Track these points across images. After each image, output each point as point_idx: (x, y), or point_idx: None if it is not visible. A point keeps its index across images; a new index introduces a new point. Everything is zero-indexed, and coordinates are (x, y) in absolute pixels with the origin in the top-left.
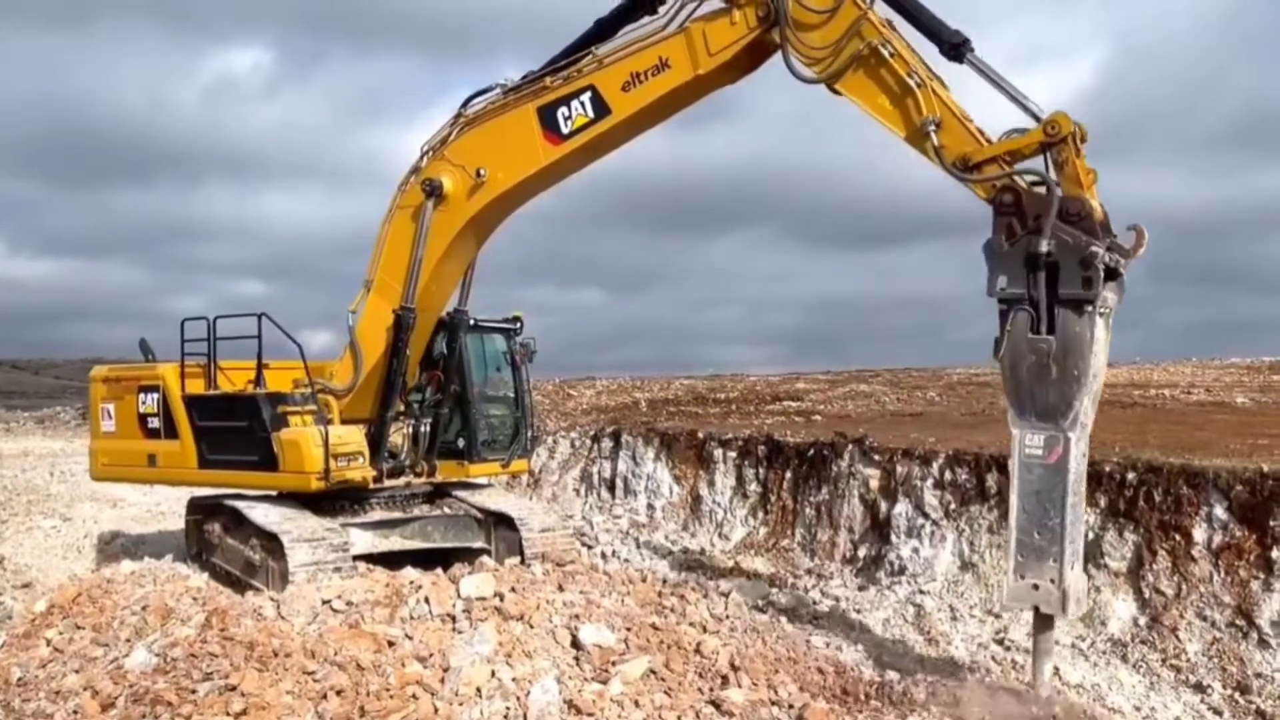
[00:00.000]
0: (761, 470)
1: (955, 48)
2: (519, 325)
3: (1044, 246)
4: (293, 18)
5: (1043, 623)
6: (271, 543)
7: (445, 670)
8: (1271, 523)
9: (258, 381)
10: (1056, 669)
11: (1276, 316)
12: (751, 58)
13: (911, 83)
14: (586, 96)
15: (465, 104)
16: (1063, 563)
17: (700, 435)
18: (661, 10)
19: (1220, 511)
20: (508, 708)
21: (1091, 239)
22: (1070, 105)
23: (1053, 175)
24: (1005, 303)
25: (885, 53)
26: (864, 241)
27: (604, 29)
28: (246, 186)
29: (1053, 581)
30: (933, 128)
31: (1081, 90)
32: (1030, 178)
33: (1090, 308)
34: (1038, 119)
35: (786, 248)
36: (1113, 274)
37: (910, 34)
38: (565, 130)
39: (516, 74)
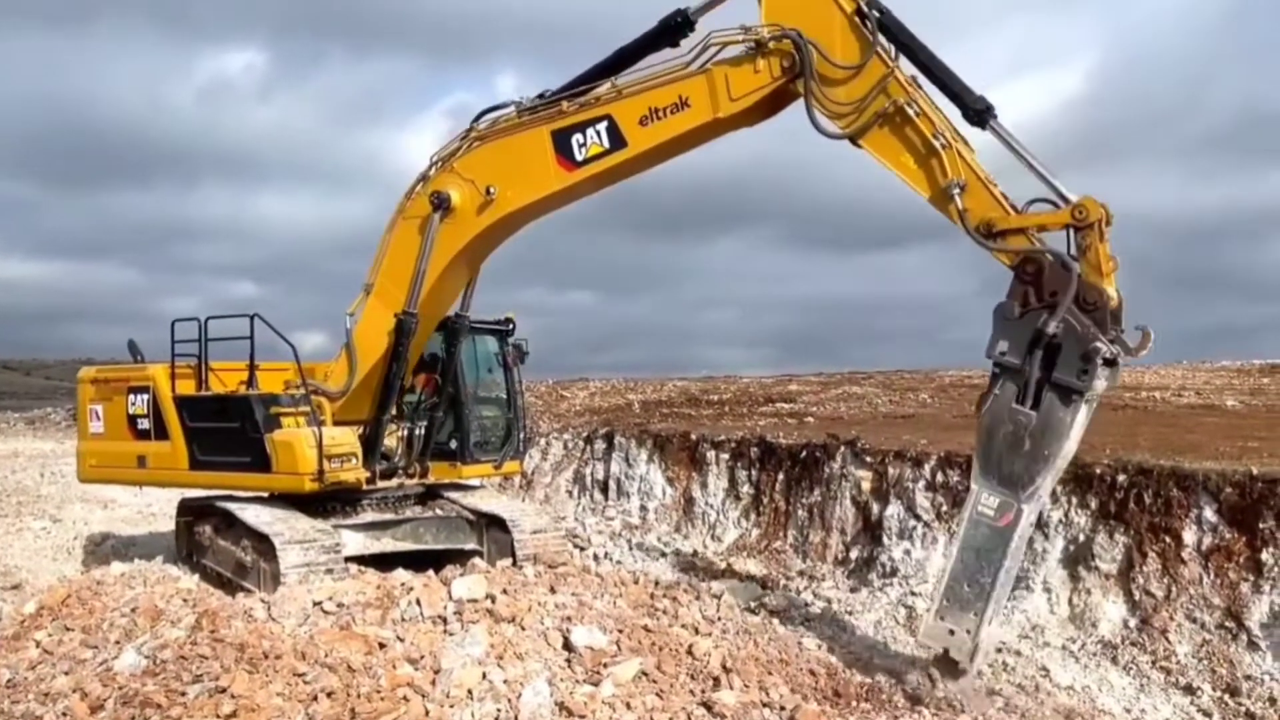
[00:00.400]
0: (754, 472)
1: (979, 114)
2: (511, 326)
3: (1052, 327)
4: (291, 18)
5: (947, 666)
6: (263, 544)
7: (436, 672)
8: (1261, 525)
9: (250, 382)
10: (1047, 670)
11: (1267, 320)
12: (772, 105)
13: (937, 144)
14: (603, 126)
15: (477, 119)
16: (982, 619)
17: (693, 437)
18: (684, 45)
19: (1210, 514)
20: (499, 710)
21: (1099, 333)
22: (1064, 110)
23: (1073, 253)
24: (1000, 368)
25: (911, 111)
26: (861, 243)
27: (625, 58)
28: (244, 188)
29: (968, 632)
30: (957, 191)
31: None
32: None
33: (1079, 398)
34: (1065, 198)
35: (785, 249)
36: (1110, 363)
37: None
38: (579, 157)
39: (516, 78)
